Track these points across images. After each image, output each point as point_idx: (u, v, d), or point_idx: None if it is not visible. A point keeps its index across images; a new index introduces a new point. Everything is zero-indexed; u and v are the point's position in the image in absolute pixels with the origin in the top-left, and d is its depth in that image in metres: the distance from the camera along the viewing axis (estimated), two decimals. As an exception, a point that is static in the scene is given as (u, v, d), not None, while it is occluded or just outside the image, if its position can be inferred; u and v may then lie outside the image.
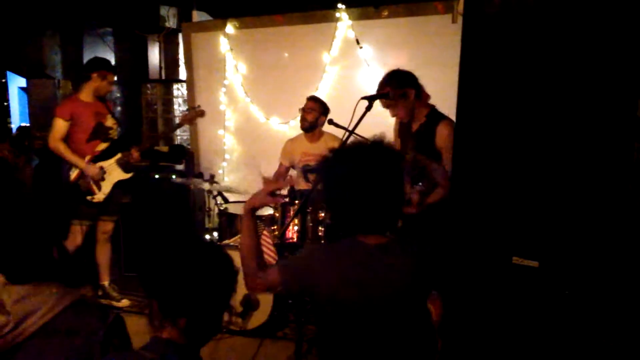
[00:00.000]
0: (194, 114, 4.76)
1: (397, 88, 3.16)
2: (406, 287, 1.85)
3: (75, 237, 4.25)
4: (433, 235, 3.13)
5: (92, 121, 4.28)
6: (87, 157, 4.25)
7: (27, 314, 1.63)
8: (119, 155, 4.36)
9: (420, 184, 3.08)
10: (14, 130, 7.82)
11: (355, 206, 1.84)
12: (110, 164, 4.32)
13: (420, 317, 1.93)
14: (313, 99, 4.57)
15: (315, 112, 4.50)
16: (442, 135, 3.13)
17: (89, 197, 4.27)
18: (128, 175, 4.42)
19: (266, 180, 2.16)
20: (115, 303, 4.45)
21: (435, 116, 3.21)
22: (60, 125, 4.21)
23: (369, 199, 1.82)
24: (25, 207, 1.84)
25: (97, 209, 4.35)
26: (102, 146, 4.33)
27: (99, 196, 4.30)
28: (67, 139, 4.24)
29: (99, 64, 4.38)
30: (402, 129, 3.38)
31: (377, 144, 1.95)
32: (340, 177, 1.86)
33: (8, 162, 5.22)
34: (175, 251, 1.55)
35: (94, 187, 4.28)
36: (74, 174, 4.26)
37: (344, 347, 1.88)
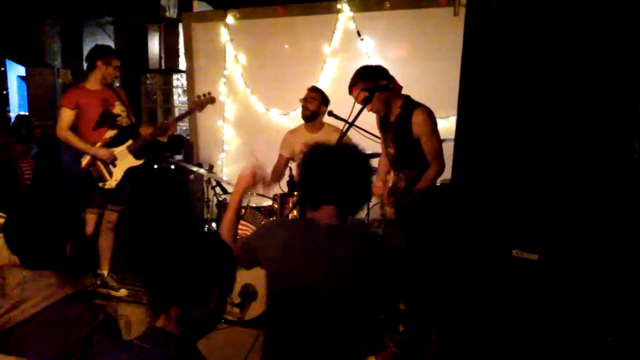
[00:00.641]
0: (205, 100, 4.73)
1: (367, 82, 3.14)
2: (343, 274, 1.92)
3: (88, 226, 4.28)
4: (426, 224, 3.17)
5: (98, 108, 4.26)
6: (98, 144, 4.24)
7: (21, 300, 1.64)
8: (129, 142, 4.35)
9: (403, 172, 3.09)
10: (13, 119, 7.81)
11: (318, 178, 2.02)
12: (121, 151, 4.32)
13: (358, 311, 1.99)
14: (314, 89, 4.57)
15: (316, 102, 4.49)
16: (418, 123, 3.14)
17: (100, 184, 4.27)
18: (139, 162, 4.40)
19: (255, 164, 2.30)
20: (113, 292, 4.45)
21: (409, 105, 3.22)
22: (66, 115, 4.20)
23: (330, 175, 1.99)
24: (52, 198, 1.84)
25: (107, 196, 4.35)
26: (110, 133, 4.31)
27: (111, 182, 4.29)
28: (73, 127, 4.23)
29: (102, 51, 4.37)
30: (382, 122, 3.38)
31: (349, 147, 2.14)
32: (312, 163, 2.06)
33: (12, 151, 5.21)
34: (164, 239, 1.53)
35: (106, 173, 4.28)
36: (84, 161, 4.26)
37: (280, 322, 2.00)
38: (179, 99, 7.01)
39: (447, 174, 3.91)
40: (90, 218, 4.30)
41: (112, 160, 4.28)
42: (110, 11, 7.42)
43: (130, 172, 4.38)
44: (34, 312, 1.64)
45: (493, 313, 2.20)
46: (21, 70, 8.06)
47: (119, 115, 4.38)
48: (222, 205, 4.67)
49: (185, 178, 5.67)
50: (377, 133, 3.90)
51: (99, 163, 4.27)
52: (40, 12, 6.96)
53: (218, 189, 4.92)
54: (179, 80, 7.07)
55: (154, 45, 7.71)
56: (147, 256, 1.50)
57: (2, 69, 7.85)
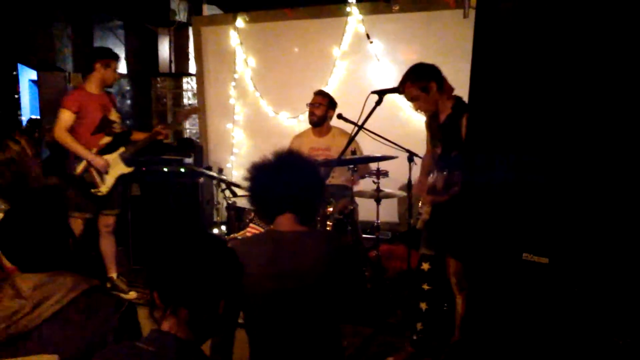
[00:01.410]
0: (189, 110, 4.81)
1: (417, 82, 3.13)
2: (309, 277, 1.98)
3: (76, 229, 4.26)
4: (458, 225, 3.14)
5: (99, 113, 4.28)
6: (94, 150, 4.25)
7: (43, 299, 1.65)
8: (121, 149, 4.37)
9: (444, 172, 3.07)
10: (24, 123, 7.86)
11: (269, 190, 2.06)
12: (113, 158, 4.33)
13: (327, 312, 2.03)
14: (320, 94, 4.56)
15: (323, 107, 4.49)
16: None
17: (93, 190, 4.28)
18: (129, 169, 4.43)
19: None
20: (123, 295, 4.46)
21: (461, 107, 3.17)
22: (67, 117, 4.19)
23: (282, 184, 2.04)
24: (43, 200, 1.85)
25: (98, 202, 4.36)
26: (106, 139, 4.32)
27: (102, 189, 4.30)
28: (71, 130, 4.22)
29: (101, 53, 4.36)
30: (431, 122, 3.35)
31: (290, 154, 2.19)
32: (260, 177, 2.10)
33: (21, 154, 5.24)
34: (176, 241, 1.54)
35: (98, 180, 4.29)
36: (80, 167, 4.26)
37: (259, 333, 2.08)
38: (189, 103, 7.04)
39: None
40: (77, 222, 4.26)
41: (106, 169, 4.29)
42: (121, 15, 7.46)
43: (121, 178, 4.40)
44: (57, 310, 1.65)
45: (504, 315, 2.19)
46: (32, 75, 8.11)
47: (114, 122, 4.39)
48: (231, 209, 4.67)
49: (195, 181, 5.68)
50: (387, 136, 3.89)
51: (92, 170, 4.26)
52: (51, 16, 7.01)
53: (227, 192, 4.92)
54: (189, 84, 7.11)
55: (164, 48, 7.74)
56: (159, 257, 1.51)
57: (14, 73, 7.91)
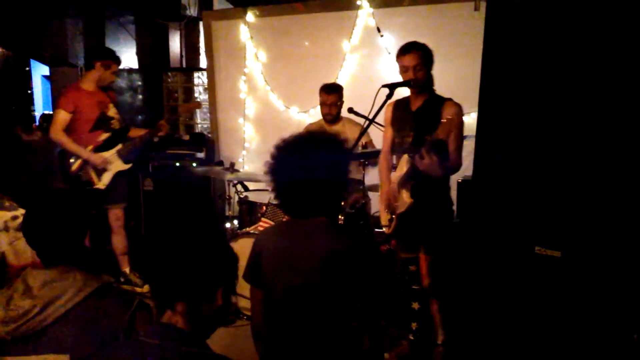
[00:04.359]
0: (192, 105, 4.79)
1: (426, 54, 3.15)
2: (318, 272, 1.93)
3: None
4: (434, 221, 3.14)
5: (95, 111, 4.26)
6: (90, 147, 4.23)
7: (53, 298, 1.66)
8: (119, 146, 4.35)
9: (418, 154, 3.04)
10: (37, 118, 7.94)
11: (288, 193, 1.99)
12: (111, 155, 4.32)
13: (333, 310, 1.97)
14: (333, 91, 4.51)
15: (338, 103, 4.49)
16: (451, 111, 3.08)
17: (88, 188, 4.26)
18: (127, 166, 4.41)
19: None
20: (137, 289, 4.51)
21: (438, 97, 3.20)
22: (62, 117, 4.16)
23: (299, 188, 1.95)
24: (61, 193, 1.87)
25: (100, 198, 4.34)
26: (104, 136, 4.31)
27: (100, 185, 4.30)
28: (69, 128, 4.20)
29: (103, 53, 4.34)
30: (398, 113, 3.35)
31: (320, 136, 2.06)
32: (283, 166, 1.98)
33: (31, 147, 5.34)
34: (167, 236, 1.54)
35: (95, 178, 4.28)
36: (75, 164, 4.25)
37: (272, 320, 2.04)
38: (200, 97, 7.06)
39: (467, 171, 3.90)
40: None
41: (104, 166, 4.28)
42: (132, 10, 7.49)
43: (118, 175, 4.38)
44: (68, 309, 1.66)
45: (516, 309, 2.19)
46: (45, 70, 8.18)
47: (112, 118, 4.38)
48: (243, 203, 4.70)
49: (207, 176, 5.71)
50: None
51: (88, 168, 4.26)
52: (63, 12, 7.05)
53: (239, 187, 4.94)
54: (200, 79, 7.12)
55: (175, 43, 7.76)
56: (151, 252, 1.52)
57: (27, 68, 7.98)
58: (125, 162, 4.40)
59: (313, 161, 1.92)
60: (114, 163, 4.34)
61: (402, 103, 3.35)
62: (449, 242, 3.15)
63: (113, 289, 1.81)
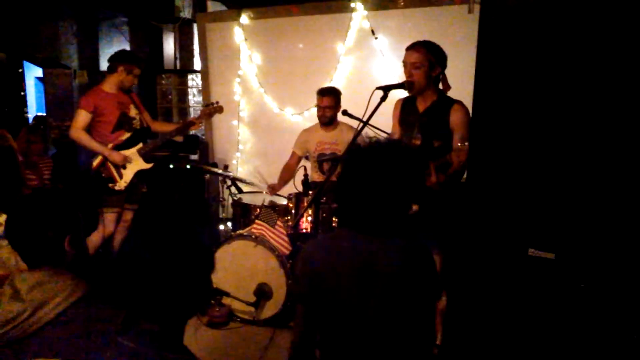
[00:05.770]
0: (212, 109, 4.81)
1: (430, 53, 3.16)
2: (390, 279, 1.77)
3: (107, 225, 4.34)
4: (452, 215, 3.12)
5: (116, 111, 4.32)
6: (110, 145, 4.29)
7: (43, 302, 1.64)
8: (140, 145, 4.41)
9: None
10: (31, 120, 7.90)
11: (356, 204, 1.80)
12: (131, 153, 4.37)
13: (409, 315, 1.81)
14: (329, 94, 4.52)
15: (333, 106, 4.50)
16: (458, 115, 3.09)
17: (110, 185, 4.31)
18: (148, 166, 4.46)
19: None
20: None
21: (448, 98, 3.20)
22: (82, 116, 4.23)
23: (368, 202, 1.76)
24: (39, 194, 1.87)
25: (119, 196, 4.39)
26: (126, 135, 4.37)
27: (120, 184, 4.34)
28: (91, 130, 4.28)
29: (127, 57, 4.40)
30: (405, 114, 3.34)
31: (396, 146, 1.89)
32: (351, 174, 1.81)
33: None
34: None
35: (116, 175, 4.32)
36: (95, 161, 4.30)
37: (331, 337, 1.87)
38: (194, 99, 7.06)
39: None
40: (110, 218, 4.36)
41: (124, 164, 4.33)
42: (126, 12, 7.48)
43: (139, 174, 4.43)
44: (58, 313, 1.64)
45: (510, 312, 2.19)
46: (38, 72, 8.14)
47: (134, 119, 4.44)
48: (237, 205, 4.69)
49: (201, 178, 5.70)
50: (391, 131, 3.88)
51: (109, 164, 4.30)
52: (56, 13, 7.04)
53: (233, 189, 4.94)
54: (194, 81, 7.12)
55: (169, 45, 7.76)
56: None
57: (20, 70, 7.94)
58: (147, 162, 4.45)
59: (402, 179, 1.77)
60: (135, 161, 4.38)
61: (410, 102, 3.33)
62: (460, 241, 3.14)
63: (104, 294, 1.79)
